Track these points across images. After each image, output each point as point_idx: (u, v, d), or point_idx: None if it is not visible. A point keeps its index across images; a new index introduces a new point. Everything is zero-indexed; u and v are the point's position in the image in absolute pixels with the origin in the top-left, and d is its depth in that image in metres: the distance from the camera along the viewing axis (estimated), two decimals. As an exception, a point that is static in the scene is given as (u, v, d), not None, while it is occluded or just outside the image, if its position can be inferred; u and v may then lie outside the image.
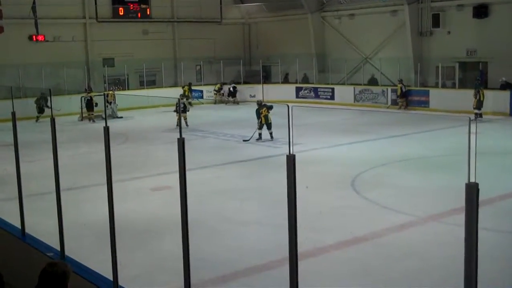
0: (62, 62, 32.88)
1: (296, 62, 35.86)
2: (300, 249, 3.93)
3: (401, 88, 30.59)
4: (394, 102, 31.36)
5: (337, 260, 9.39)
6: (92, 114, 28.94)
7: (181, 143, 4.78)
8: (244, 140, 21.16)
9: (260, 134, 21.23)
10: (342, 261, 9.31)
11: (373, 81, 34.03)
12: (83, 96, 29.77)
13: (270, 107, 21.06)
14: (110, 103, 29.23)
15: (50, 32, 33.85)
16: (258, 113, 21.19)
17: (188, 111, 26.29)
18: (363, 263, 9.14)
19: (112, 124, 26.70)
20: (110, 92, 31.47)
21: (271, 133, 21.06)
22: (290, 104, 4.31)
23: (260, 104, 21.81)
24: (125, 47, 36.04)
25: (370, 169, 15.93)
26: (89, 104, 29.27)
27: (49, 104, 27.52)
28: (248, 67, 40.87)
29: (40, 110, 28.55)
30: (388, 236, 10.54)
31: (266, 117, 21.03)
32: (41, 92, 28.60)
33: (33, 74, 31.53)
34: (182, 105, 24.54)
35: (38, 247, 7.23)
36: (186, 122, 24.56)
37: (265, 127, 21.13)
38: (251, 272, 9.00)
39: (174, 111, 24.95)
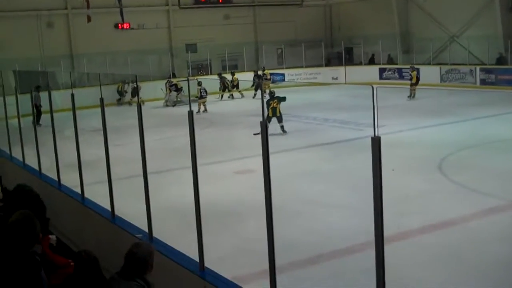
0: (146, 49, 33.66)
1: (379, 43, 35.08)
2: (385, 233, 3.82)
3: (416, 76, 28.47)
4: (483, 82, 30.09)
5: (423, 244, 9.17)
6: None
7: (264, 126, 4.75)
8: (254, 134, 19.69)
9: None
10: (429, 245, 9.08)
11: (502, 60, 30.99)
12: (167, 82, 30.38)
13: (283, 99, 19.73)
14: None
15: (135, 20, 34.73)
16: (268, 105, 19.40)
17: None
18: (450, 248, 8.88)
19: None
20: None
21: (282, 127, 19.50)
22: (374, 86, 4.18)
23: (272, 96, 20.12)
24: (207, 32, 36.45)
25: (457, 151, 15.43)
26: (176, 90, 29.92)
27: (126, 89, 29.71)
28: (330, 49, 40.39)
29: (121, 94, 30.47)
30: (477, 221, 10.19)
31: (274, 109, 19.40)
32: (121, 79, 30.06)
33: (119, 61, 32.44)
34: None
35: (127, 229, 7.44)
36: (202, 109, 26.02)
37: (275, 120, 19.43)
38: (336, 255, 8.93)
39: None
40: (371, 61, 37.15)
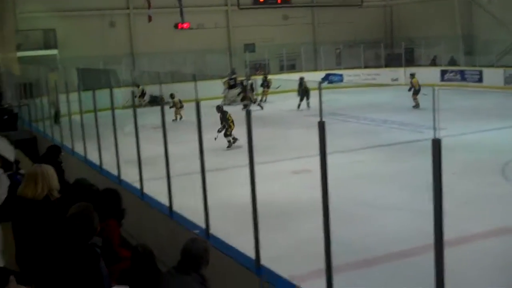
0: (205, 48, 34.00)
1: (441, 44, 34.34)
2: (445, 237, 3.74)
3: (418, 84, 25.63)
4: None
5: (484, 250, 8.93)
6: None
7: (321, 126, 4.73)
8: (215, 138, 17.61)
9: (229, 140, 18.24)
10: (489, 252, 8.84)
11: None
12: (226, 80, 30.55)
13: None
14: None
15: (194, 20, 35.12)
16: (226, 119, 18.56)
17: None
18: (510, 255, 8.60)
19: (253, 108, 27.27)
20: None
21: (232, 140, 18.06)
22: (435, 87, 4.09)
23: (222, 110, 19.20)
24: (266, 32, 36.53)
25: (522, 155, 14.96)
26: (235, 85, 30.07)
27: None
28: (390, 50, 39.83)
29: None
30: (542, 227, 9.84)
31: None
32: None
33: (178, 60, 32.86)
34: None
35: (184, 225, 7.52)
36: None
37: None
38: (392, 258, 8.81)
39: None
40: (433, 63, 36.36)
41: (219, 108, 19.29)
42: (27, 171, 5.21)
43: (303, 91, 26.75)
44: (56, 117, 15.33)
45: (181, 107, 25.30)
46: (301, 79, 26.81)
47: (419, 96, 24.72)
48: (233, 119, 18.32)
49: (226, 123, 18.47)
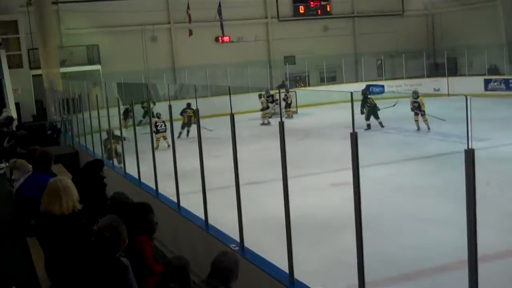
0: (245, 61, 34.18)
1: (485, 53, 33.70)
2: (486, 250, 3.64)
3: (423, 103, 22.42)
4: None
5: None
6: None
7: (354, 138, 4.67)
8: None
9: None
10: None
11: None
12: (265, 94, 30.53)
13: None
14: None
15: (234, 33, 35.39)
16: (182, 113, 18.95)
17: None
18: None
19: (292, 120, 27.21)
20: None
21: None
22: (470, 96, 3.98)
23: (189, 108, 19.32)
24: (306, 44, 36.53)
25: None
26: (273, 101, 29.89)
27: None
28: (432, 60, 39.29)
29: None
30: None
31: (190, 118, 19.05)
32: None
33: (219, 73, 33.08)
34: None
35: (220, 238, 7.51)
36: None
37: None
38: (435, 271, 8.63)
39: None
40: (494, 72, 34.80)
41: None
42: (48, 187, 5.20)
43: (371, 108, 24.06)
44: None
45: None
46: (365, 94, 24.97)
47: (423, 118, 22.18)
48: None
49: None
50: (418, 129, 22.35)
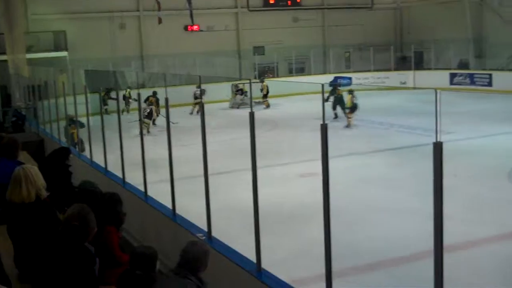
0: (215, 50, 34.05)
1: (451, 48, 34.18)
2: (450, 241, 3.71)
3: (351, 100, 22.98)
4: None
5: (489, 255, 8.87)
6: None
7: (324, 129, 4.70)
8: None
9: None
10: (494, 256, 8.78)
11: None
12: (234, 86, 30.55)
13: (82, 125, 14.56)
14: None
15: (204, 22, 35.21)
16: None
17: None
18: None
19: (261, 111, 27.25)
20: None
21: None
22: (439, 90, 4.05)
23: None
24: (275, 34, 36.54)
25: (530, 160, 14.85)
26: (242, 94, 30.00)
27: (112, 95, 22.47)
28: (399, 53, 39.69)
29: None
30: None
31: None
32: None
33: (187, 62, 32.92)
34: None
35: (187, 228, 7.50)
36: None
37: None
38: (397, 262, 8.77)
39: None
40: (461, 66, 35.09)
41: None
42: (12, 175, 5.15)
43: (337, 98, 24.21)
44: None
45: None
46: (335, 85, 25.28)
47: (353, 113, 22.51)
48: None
49: None
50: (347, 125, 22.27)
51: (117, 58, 32.41)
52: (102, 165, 11.34)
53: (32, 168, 5.26)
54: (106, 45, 32.86)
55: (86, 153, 12.74)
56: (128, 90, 27.87)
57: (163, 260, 6.09)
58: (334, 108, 23.91)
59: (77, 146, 14.18)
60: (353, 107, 22.57)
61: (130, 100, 26.06)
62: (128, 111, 24.00)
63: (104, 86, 11.13)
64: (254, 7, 36.99)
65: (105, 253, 5.03)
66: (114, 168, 10.80)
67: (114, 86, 20.75)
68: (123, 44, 33.61)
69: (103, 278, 4.67)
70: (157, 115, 23.52)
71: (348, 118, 22.49)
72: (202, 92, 19.17)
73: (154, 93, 23.83)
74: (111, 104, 18.51)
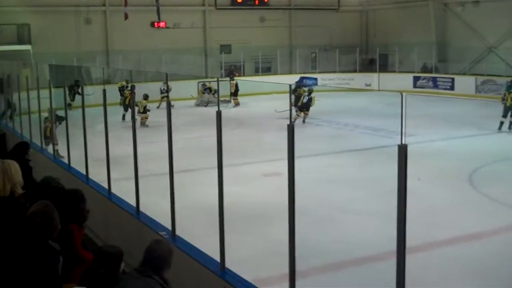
0: (181, 48, 33.90)
1: (415, 51, 34.70)
2: (410, 243, 3.79)
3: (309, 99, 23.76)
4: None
5: (448, 256, 9.04)
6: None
7: (290, 129, 4.74)
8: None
9: None
10: (453, 258, 8.95)
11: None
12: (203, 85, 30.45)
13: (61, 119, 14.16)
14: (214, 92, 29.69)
15: (171, 19, 34.99)
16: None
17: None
18: (476, 261, 8.73)
19: (226, 110, 27.24)
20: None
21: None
22: (404, 93, 4.13)
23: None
24: (242, 33, 36.53)
25: (489, 164, 15.17)
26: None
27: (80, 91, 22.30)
28: (365, 56, 40.12)
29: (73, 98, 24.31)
30: (505, 235, 10.00)
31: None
32: (75, 79, 26.15)
33: (153, 59, 32.69)
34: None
35: (151, 226, 7.48)
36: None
37: None
38: (359, 262, 8.86)
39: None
40: (424, 70, 35.72)
41: None
42: None
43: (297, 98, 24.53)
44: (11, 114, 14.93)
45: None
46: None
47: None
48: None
49: None
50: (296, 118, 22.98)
51: (82, 53, 32.02)
52: (66, 160, 11.22)
53: (12, 164, 5.23)
54: (71, 40, 32.37)
55: (50, 148, 12.58)
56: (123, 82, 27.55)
57: (126, 259, 6.06)
58: (294, 105, 24.36)
59: (49, 140, 13.95)
60: (304, 104, 23.37)
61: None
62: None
63: (69, 81, 10.99)
64: (222, 5, 36.95)
65: (68, 251, 4.98)
66: (77, 164, 10.70)
67: (81, 81, 20.75)
68: (88, 39, 33.17)
69: (66, 276, 4.62)
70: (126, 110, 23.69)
71: (298, 115, 23.19)
72: (169, 89, 19.16)
73: (132, 88, 23.92)
74: (78, 99, 18.47)
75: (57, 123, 13.01)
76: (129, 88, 24.17)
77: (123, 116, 23.57)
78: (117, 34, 33.97)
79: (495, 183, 13.23)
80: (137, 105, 22.15)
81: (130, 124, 8.52)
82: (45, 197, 4.83)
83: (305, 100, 23.63)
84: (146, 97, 23.84)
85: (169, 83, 27.41)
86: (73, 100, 22.42)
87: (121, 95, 25.47)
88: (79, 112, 10.26)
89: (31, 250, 3.93)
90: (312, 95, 23.82)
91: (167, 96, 20.94)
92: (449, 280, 8.07)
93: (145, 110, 22.67)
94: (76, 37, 32.80)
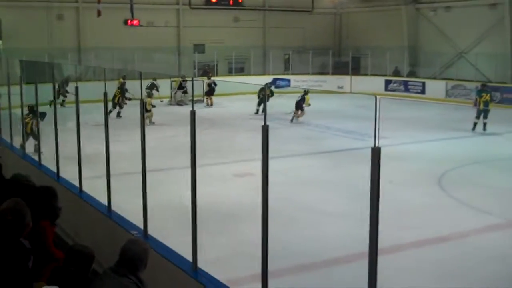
0: (154, 46, 33.72)
1: (387, 55, 35.06)
2: (381, 245, 3.82)
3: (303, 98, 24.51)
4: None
5: (418, 259, 9.16)
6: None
7: (265, 130, 4.74)
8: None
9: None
10: (423, 260, 9.08)
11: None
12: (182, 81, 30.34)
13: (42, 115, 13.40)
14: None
15: (144, 17, 34.79)
16: None
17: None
18: (444, 264, 8.87)
19: (200, 109, 27.16)
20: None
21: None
22: (378, 96, 4.17)
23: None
24: (216, 33, 36.50)
25: (459, 167, 15.39)
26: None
27: (67, 89, 23.06)
28: (337, 58, 40.38)
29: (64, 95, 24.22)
30: (473, 238, 10.17)
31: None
32: (65, 76, 26.08)
33: (126, 57, 32.47)
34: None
35: (122, 225, 7.42)
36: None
37: None
38: (330, 264, 8.92)
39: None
40: (396, 73, 36.08)
41: None
42: None
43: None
44: None
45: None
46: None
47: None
48: None
49: None
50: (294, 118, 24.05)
51: (53, 50, 31.60)
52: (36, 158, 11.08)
53: None
54: (42, 36, 31.96)
55: (28, 144, 12.40)
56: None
57: (97, 257, 6.01)
58: (259, 104, 25.47)
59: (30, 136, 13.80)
60: (296, 104, 24.16)
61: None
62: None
63: (41, 78, 10.85)
64: (196, 5, 36.86)
65: (39, 248, 4.92)
66: (48, 162, 10.58)
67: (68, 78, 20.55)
68: (60, 35, 32.78)
69: (37, 274, 4.56)
70: (121, 107, 24.55)
71: (295, 114, 24.13)
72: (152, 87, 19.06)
73: (123, 84, 24.33)
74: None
75: (39, 119, 12.87)
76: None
77: (118, 113, 24.31)
78: (90, 31, 33.66)
79: (464, 186, 13.44)
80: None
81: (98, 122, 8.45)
82: (15, 194, 4.77)
83: (298, 100, 24.24)
84: (149, 94, 24.12)
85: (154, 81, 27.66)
86: (65, 96, 23.14)
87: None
88: (68, 109, 10.12)
89: (2, 248, 3.87)
90: (307, 95, 24.38)
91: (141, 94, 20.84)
92: (418, 282, 8.16)
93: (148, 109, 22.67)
94: (48, 33, 32.40)
